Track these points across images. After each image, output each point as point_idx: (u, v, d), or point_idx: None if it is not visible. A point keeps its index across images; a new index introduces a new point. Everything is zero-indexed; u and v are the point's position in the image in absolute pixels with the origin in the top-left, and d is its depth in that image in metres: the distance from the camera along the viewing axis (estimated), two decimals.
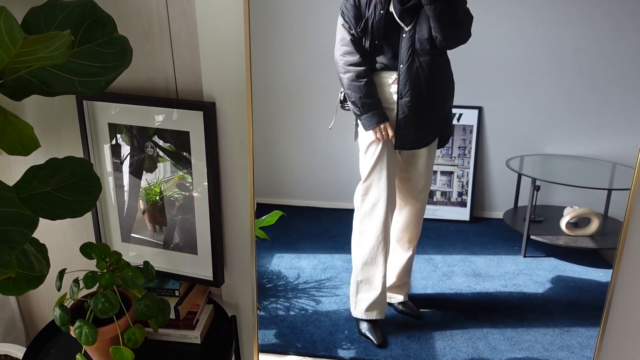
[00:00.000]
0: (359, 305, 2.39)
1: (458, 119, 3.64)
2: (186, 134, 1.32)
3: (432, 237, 3.46)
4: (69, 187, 1.15)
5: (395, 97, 2.20)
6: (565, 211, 3.31)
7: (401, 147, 2.25)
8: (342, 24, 2.19)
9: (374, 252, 2.30)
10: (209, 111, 1.27)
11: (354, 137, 2.37)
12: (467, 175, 3.72)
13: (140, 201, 1.46)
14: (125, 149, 1.40)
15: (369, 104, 2.17)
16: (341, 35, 2.20)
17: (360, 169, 2.32)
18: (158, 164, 1.40)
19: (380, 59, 2.19)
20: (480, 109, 3.65)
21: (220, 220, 1.42)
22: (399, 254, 2.53)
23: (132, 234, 1.50)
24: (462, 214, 3.74)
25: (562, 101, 3.58)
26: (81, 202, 1.18)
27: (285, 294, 2.74)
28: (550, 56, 3.52)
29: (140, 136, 1.37)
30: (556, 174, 3.47)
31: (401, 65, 2.15)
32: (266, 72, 3.76)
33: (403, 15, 2.12)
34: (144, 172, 1.42)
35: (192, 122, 1.30)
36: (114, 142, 1.40)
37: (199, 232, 1.42)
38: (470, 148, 3.69)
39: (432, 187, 3.70)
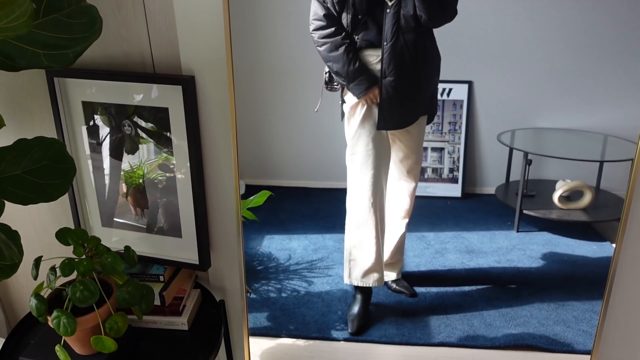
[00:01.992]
0: (354, 271, 2.30)
1: (448, 94, 3.58)
2: (165, 111, 1.24)
3: (424, 214, 3.41)
4: (40, 170, 1.08)
5: (378, 75, 2.10)
6: (558, 185, 3.27)
7: (384, 127, 2.16)
8: None
9: (365, 214, 2.21)
10: (188, 85, 1.20)
11: (340, 118, 2.29)
12: (458, 151, 3.67)
13: (123, 184, 1.38)
14: (103, 129, 1.33)
15: (354, 70, 2.07)
16: (314, 9, 2.08)
17: (346, 135, 2.23)
18: (140, 146, 1.33)
19: (364, 36, 2.08)
20: (470, 83, 3.59)
21: (204, 202, 1.35)
22: (392, 231, 2.48)
23: (115, 219, 1.43)
24: (454, 190, 3.70)
25: (553, 75, 3.52)
26: (54, 185, 1.11)
27: (276, 275, 2.69)
28: (540, 29, 3.45)
29: (116, 114, 1.29)
30: (548, 147, 3.43)
31: (385, 43, 2.04)
32: (252, 52, 3.67)
33: None
34: (125, 153, 1.35)
35: (170, 98, 1.23)
36: (90, 122, 1.32)
37: (182, 215, 1.36)
38: (461, 123, 3.63)
39: (423, 164, 3.65)
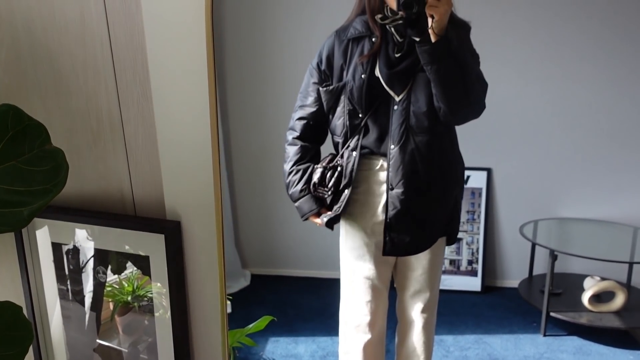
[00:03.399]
0: None
1: (466, 182, 3.40)
2: (146, 259, 1.06)
3: (441, 312, 3.12)
4: None
5: (383, 187, 1.75)
6: (586, 283, 3.03)
7: (393, 252, 1.78)
8: (312, 67, 1.82)
9: None
10: (172, 234, 1.01)
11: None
12: (477, 242, 3.45)
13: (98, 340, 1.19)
14: (76, 275, 1.14)
15: (298, 186, 1.84)
16: (306, 81, 1.84)
17: (341, 260, 2.00)
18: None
19: (362, 142, 1.75)
20: (489, 170, 3.41)
21: (188, 352, 1.14)
22: None
23: None
24: (473, 284, 3.45)
25: (577, 161, 3.34)
26: (7, 357, 0.92)
27: None
28: (562, 113, 3.30)
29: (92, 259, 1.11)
30: (574, 242, 3.21)
31: (392, 147, 1.69)
32: (259, 138, 3.54)
33: (392, 81, 1.66)
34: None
35: (153, 246, 1.04)
36: (59, 264, 1.14)
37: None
38: (480, 212, 3.43)
39: None
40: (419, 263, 1.87)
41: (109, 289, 1.17)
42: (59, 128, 1.03)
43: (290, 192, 1.86)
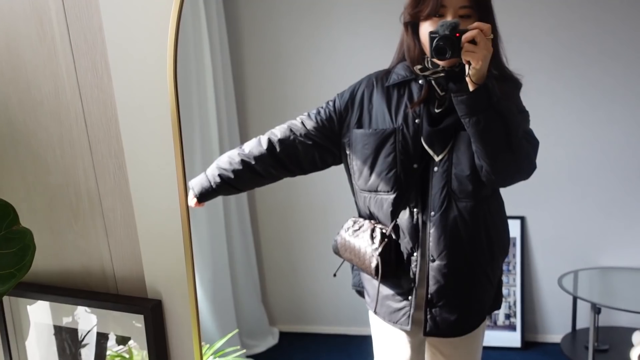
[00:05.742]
0: None
1: None
2: (126, 340, 1.00)
3: None
4: None
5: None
6: (635, 338, 2.82)
7: (436, 333, 1.62)
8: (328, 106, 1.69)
9: None
10: (153, 314, 0.95)
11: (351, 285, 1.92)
12: (514, 294, 3.28)
13: None
14: (62, 353, 1.09)
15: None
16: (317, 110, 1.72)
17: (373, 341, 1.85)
18: None
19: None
20: (522, 219, 3.27)
21: None
22: None
23: None
24: (512, 339, 3.26)
25: (616, 205, 3.17)
26: None
27: None
28: (600, 155, 3.16)
29: (72, 342, 1.05)
30: (618, 293, 3.02)
31: (432, 213, 1.54)
32: (282, 191, 3.50)
33: (432, 139, 1.52)
34: None
35: (134, 326, 0.98)
36: (42, 346, 1.08)
37: None
38: (515, 263, 3.27)
39: None
40: (456, 351, 1.69)
41: None
42: (39, 204, 1.00)
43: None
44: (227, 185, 1.72)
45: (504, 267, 3.26)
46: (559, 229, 3.25)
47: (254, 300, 3.46)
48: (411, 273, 1.62)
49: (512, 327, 3.26)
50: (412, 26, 1.51)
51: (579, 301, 3.11)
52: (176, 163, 0.83)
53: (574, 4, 3.03)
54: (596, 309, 2.75)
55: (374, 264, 1.60)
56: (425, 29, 1.44)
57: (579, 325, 3.20)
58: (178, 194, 0.85)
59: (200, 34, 2.75)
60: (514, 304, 3.26)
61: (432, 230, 1.55)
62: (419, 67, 1.52)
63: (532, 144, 1.55)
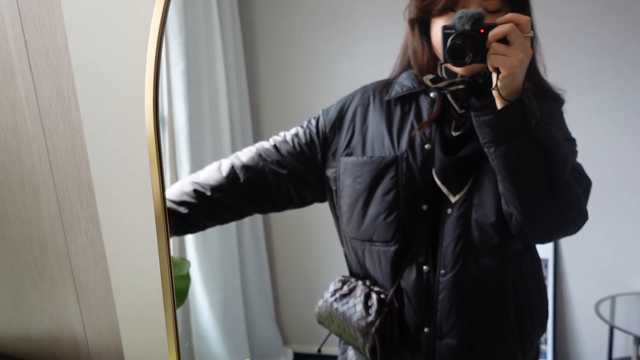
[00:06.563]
0: None
1: None
2: None
3: None
4: None
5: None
6: None
7: None
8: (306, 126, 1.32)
9: None
10: None
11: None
12: None
13: None
14: None
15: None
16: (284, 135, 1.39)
17: None
18: None
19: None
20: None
21: None
22: None
23: None
24: None
25: None
26: None
27: None
28: (632, 175, 2.95)
29: None
30: None
31: (442, 272, 1.19)
32: (291, 215, 3.35)
33: (447, 172, 1.17)
34: None
35: None
36: None
37: None
38: (547, 287, 3.07)
39: None
40: None
41: None
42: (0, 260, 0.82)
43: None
44: (179, 221, 1.25)
45: None
46: (595, 251, 3.04)
47: (268, 320, 3.33)
48: (421, 355, 1.27)
49: (543, 356, 3.07)
50: (420, 24, 1.22)
51: (615, 330, 2.91)
52: (157, 216, 0.64)
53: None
54: (637, 340, 2.54)
55: (369, 345, 1.28)
56: (439, 26, 1.14)
57: (615, 355, 2.99)
58: (159, 257, 0.66)
59: (213, 38, 2.57)
60: (546, 330, 3.07)
61: (441, 297, 1.21)
62: (430, 76, 1.22)
63: (583, 185, 1.19)
